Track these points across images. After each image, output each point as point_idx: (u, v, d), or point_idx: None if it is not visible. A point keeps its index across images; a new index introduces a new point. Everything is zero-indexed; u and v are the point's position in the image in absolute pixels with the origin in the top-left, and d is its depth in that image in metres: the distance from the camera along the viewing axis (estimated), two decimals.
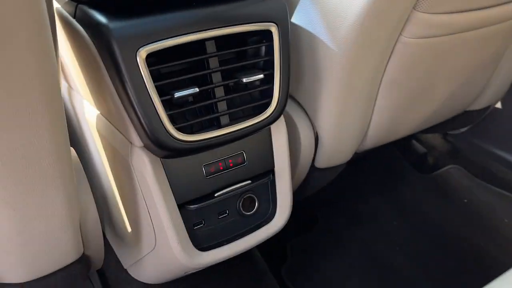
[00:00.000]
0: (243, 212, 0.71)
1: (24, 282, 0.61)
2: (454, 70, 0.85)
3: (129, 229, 0.78)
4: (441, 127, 1.16)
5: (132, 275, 0.90)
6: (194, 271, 0.73)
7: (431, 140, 1.40)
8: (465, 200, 1.26)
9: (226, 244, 0.69)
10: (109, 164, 0.74)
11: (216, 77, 0.60)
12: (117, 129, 0.65)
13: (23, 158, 0.47)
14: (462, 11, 0.72)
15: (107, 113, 0.66)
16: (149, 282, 0.86)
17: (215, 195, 0.66)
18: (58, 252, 0.59)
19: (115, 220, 0.84)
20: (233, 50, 0.62)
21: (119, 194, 0.75)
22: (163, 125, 0.56)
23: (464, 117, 1.12)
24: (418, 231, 1.19)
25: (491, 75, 1.01)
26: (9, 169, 0.46)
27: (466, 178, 1.31)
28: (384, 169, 1.36)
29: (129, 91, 0.54)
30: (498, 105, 1.23)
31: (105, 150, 0.73)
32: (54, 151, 0.49)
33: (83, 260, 0.64)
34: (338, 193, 1.26)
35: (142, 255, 0.77)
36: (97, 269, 0.78)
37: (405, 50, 0.73)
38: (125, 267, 0.91)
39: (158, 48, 0.54)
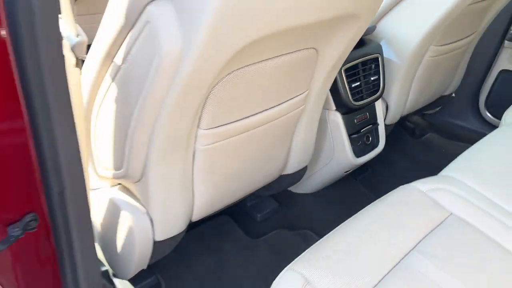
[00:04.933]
0: (366, 142, 1.51)
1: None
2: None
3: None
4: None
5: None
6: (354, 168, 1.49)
7: (416, 120, 2.27)
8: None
9: (363, 156, 1.48)
10: None
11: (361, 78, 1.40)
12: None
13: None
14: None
15: None
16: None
17: (361, 131, 1.45)
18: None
19: None
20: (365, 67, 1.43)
21: None
22: (349, 98, 1.35)
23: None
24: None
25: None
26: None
27: (440, 139, 2.19)
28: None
29: (338, 80, 1.32)
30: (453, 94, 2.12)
31: None
32: None
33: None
34: None
35: (318, 168, 1.52)
36: None
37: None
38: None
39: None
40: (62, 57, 0.57)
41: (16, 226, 0.72)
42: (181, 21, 0.69)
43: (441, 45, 1.57)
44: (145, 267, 1.13)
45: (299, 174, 1.38)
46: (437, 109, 2.17)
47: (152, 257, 1.09)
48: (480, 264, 0.82)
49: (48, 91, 0.57)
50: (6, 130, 0.59)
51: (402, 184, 1.03)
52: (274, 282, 0.77)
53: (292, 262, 0.80)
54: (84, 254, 0.77)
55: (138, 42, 0.74)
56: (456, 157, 1.17)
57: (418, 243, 0.85)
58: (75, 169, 0.70)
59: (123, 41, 0.77)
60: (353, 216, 0.92)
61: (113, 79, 0.83)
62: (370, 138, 1.52)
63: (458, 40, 1.64)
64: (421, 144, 2.18)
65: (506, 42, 1.94)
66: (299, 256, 0.81)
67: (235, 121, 0.97)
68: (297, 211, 1.62)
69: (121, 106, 0.84)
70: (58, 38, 0.56)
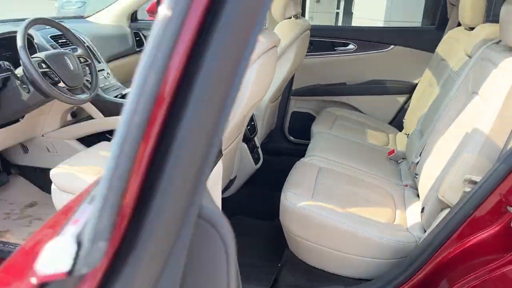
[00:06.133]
0: (255, 157, 2.78)
1: None
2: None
3: None
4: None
5: None
6: (254, 172, 2.72)
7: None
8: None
9: (257, 164, 2.75)
10: None
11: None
12: None
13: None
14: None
15: None
16: None
17: (254, 150, 2.72)
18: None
19: None
20: None
21: None
22: (248, 135, 2.62)
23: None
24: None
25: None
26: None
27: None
28: None
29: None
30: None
31: None
32: None
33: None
34: None
35: (238, 174, 2.70)
36: None
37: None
38: None
39: None
40: None
41: None
42: None
43: (272, 102, 3.02)
44: None
45: (234, 179, 2.56)
46: (267, 139, 3.64)
47: None
48: (342, 178, 2.23)
49: None
50: None
51: (278, 174, 2.36)
52: (281, 198, 1.97)
53: (283, 189, 2.01)
54: None
55: None
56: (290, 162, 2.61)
57: (317, 173, 2.20)
58: None
59: None
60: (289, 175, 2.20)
61: None
62: (257, 155, 2.81)
63: (276, 99, 3.14)
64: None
65: (291, 96, 3.58)
66: (283, 187, 2.03)
67: (228, 146, 2.14)
68: (229, 206, 2.76)
69: None
70: None
